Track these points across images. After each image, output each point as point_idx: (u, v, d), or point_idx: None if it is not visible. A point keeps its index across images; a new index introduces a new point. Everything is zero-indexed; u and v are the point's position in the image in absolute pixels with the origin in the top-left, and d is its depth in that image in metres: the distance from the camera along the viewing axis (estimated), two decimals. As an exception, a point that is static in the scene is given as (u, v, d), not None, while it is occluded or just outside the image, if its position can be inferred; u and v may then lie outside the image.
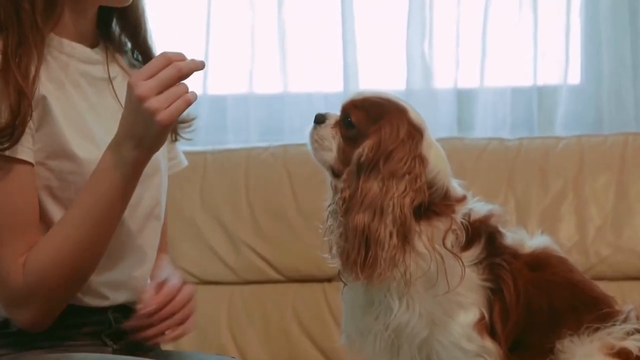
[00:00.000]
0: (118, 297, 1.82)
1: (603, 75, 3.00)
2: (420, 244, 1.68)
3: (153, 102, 1.58)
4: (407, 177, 1.68)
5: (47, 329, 1.74)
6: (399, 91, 3.03)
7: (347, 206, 1.69)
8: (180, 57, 1.62)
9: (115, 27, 1.88)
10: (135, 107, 1.60)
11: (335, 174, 1.76)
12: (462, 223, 1.71)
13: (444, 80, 3.05)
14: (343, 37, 3.03)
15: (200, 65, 1.63)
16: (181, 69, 1.60)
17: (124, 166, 1.64)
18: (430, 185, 1.71)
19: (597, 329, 1.71)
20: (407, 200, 1.67)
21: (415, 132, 1.72)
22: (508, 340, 1.71)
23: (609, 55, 2.99)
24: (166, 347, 2.03)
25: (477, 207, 1.76)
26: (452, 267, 1.68)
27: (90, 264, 1.70)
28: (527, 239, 1.79)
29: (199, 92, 3.01)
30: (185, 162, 2.01)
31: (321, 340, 2.74)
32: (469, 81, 3.05)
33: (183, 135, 1.96)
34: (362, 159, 1.69)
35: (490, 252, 1.73)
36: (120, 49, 1.88)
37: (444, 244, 1.68)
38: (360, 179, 1.69)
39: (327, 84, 3.09)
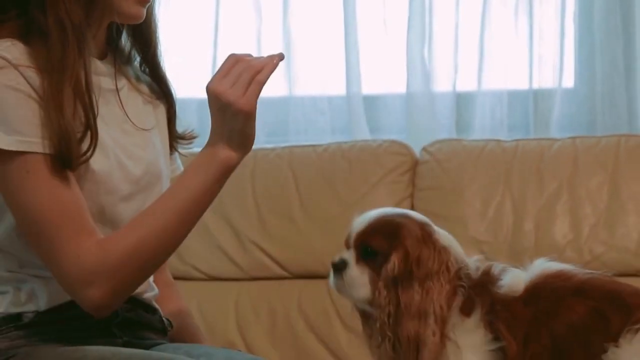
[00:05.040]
0: None
1: (596, 79, 2.99)
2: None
3: (229, 95, 1.62)
4: (441, 273, 1.71)
5: (59, 322, 1.74)
6: (399, 94, 3.08)
7: (393, 320, 1.71)
8: (249, 56, 1.67)
9: (127, 41, 1.87)
10: (216, 106, 1.65)
11: (370, 303, 1.77)
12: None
13: (443, 83, 3.06)
14: (346, 43, 3.05)
15: (276, 61, 1.66)
16: (250, 61, 1.64)
17: (215, 164, 1.67)
18: (459, 269, 1.74)
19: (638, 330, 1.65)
20: (446, 295, 1.71)
21: (427, 228, 1.76)
22: None
23: (602, 59, 2.99)
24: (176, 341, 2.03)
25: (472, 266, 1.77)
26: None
27: (166, 254, 1.71)
28: (522, 275, 1.76)
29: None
30: (181, 168, 1.98)
31: (325, 335, 2.75)
32: (467, 85, 3.06)
33: (181, 150, 1.97)
34: (396, 271, 1.72)
35: (488, 308, 1.72)
36: (128, 60, 1.88)
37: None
38: (399, 290, 1.71)
39: (330, 87, 3.12)
